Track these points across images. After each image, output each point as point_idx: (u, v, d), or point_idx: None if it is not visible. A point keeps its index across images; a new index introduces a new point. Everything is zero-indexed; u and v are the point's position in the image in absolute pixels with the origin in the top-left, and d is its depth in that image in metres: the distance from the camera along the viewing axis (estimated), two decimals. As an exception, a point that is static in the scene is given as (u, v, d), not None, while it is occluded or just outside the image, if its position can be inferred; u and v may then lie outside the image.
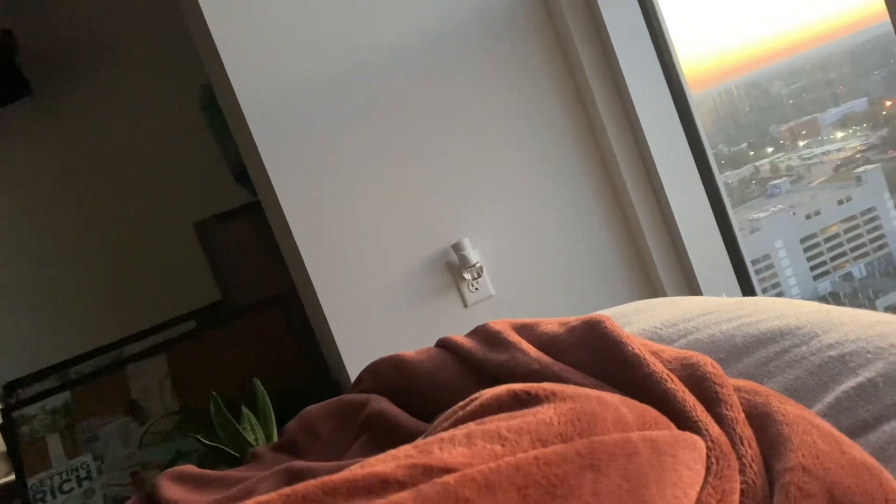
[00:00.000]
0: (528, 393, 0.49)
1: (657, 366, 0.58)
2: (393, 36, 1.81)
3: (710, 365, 0.58)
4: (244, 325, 2.19)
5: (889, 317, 0.68)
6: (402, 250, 1.79)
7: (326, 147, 1.76)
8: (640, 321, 0.92)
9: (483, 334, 0.89)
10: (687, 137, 1.89)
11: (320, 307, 1.75)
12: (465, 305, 1.83)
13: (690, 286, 1.91)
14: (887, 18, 1.16)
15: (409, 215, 1.80)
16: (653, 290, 1.95)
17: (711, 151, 1.92)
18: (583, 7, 1.84)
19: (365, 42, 1.80)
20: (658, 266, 1.90)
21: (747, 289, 1.93)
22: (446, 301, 1.82)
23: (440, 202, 1.82)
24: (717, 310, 0.84)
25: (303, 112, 1.75)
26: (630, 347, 0.61)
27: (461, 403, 0.55)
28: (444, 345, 0.95)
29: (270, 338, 2.17)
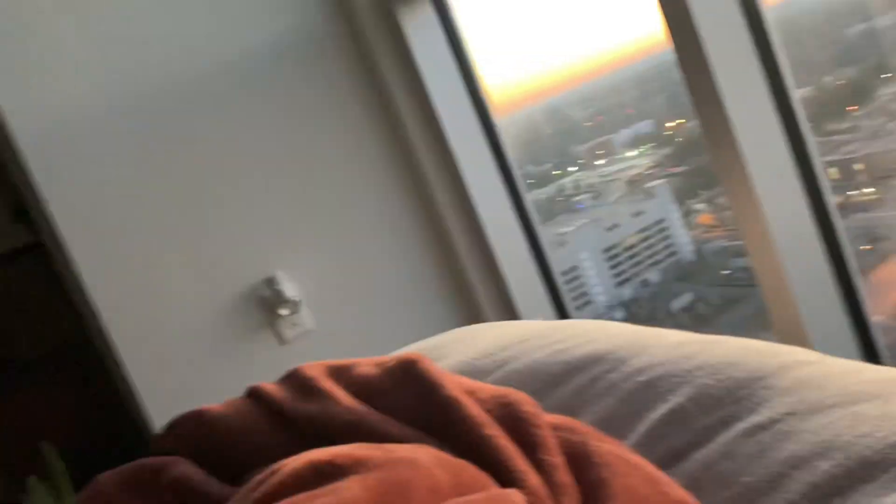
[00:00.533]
0: (331, 464, 0.44)
1: (474, 409, 0.55)
2: (190, 62, 1.70)
3: (527, 404, 0.56)
4: (30, 383, 1.94)
5: (692, 336, 0.70)
6: (210, 288, 1.67)
7: (119, 181, 1.61)
8: (457, 352, 0.90)
9: (295, 381, 0.83)
10: (496, 160, 1.94)
11: (119, 358, 1.58)
12: (283, 342, 1.74)
13: (507, 304, 1.95)
14: (669, 47, 1.25)
15: (216, 250, 1.69)
16: (474, 311, 1.97)
17: (519, 172, 1.99)
18: (390, 39, 1.84)
19: (159, 69, 1.67)
20: (477, 288, 1.93)
21: (558, 302, 2.01)
22: (262, 340, 1.72)
23: (250, 235, 1.72)
24: (532, 336, 0.83)
25: (90, 144, 1.60)
26: (445, 390, 0.58)
27: (261, 476, 0.48)
28: (254, 395, 0.88)
29: (63, 395, 1.94)
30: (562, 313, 2.01)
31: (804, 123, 1.21)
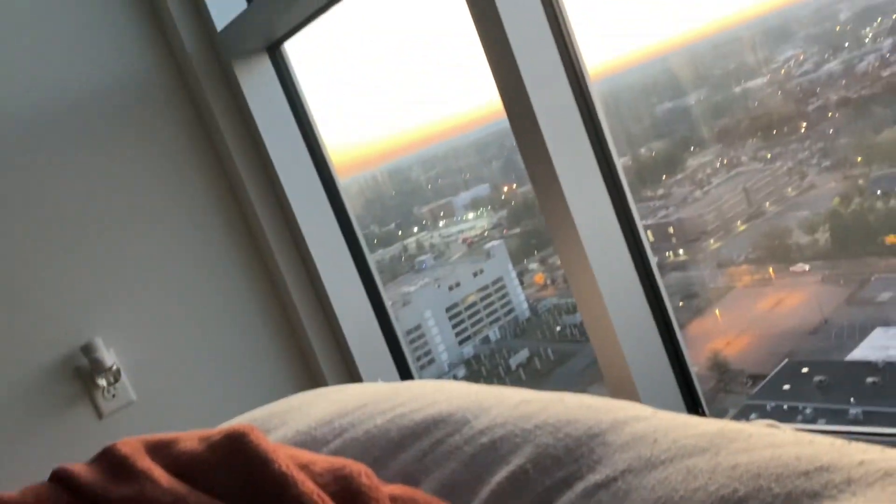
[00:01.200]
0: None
1: (307, 485, 0.51)
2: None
3: (363, 476, 0.53)
4: None
5: (530, 394, 0.70)
6: (13, 358, 1.49)
7: None
8: (294, 421, 0.85)
9: (109, 461, 0.74)
10: (338, 221, 1.91)
11: None
12: (101, 416, 1.58)
13: (349, 367, 1.91)
14: (504, 116, 1.30)
15: (22, 314, 1.52)
16: (313, 376, 1.90)
17: (362, 233, 1.98)
18: (226, 94, 1.78)
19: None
20: (317, 351, 1.86)
21: (402, 362, 1.99)
22: (77, 414, 1.56)
23: (64, 297, 1.57)
24: (372, 401, 0.80)
25: None
26: (276, 465, 0.54)
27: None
28: (59, 478, 0.78)
29: None
30: (405, 373, 1.99)
31: (627, 189, 1.29)
